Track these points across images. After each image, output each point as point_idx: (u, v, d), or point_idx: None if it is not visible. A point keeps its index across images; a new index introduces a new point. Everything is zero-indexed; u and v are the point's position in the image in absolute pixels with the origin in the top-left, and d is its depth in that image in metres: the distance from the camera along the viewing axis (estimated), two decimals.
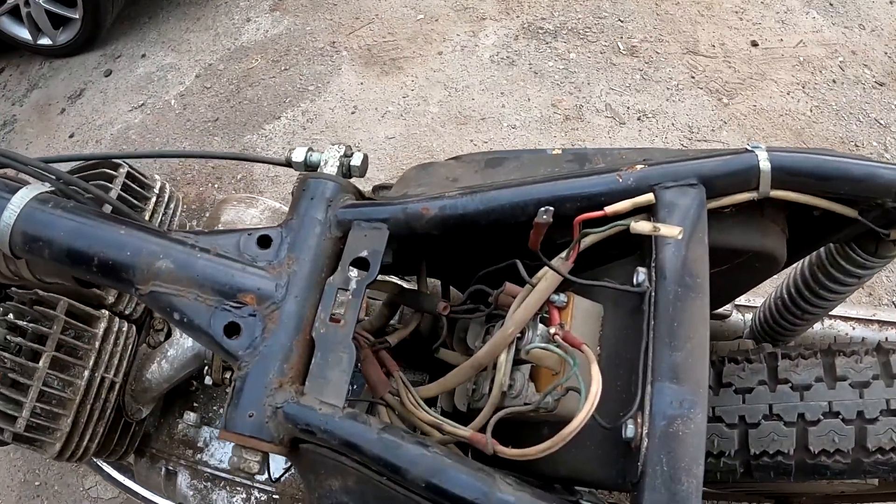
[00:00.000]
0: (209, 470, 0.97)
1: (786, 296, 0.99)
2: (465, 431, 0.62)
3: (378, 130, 1.91)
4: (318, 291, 0.65)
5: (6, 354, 0.85)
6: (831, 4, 2.23)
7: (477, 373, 0.69)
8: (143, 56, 2.39)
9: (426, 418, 0.65)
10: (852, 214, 0.73)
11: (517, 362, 0.65)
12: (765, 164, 0.70)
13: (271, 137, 2.02)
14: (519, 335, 0.64)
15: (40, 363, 0.84)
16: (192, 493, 0.97)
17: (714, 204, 0.69)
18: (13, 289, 0.89)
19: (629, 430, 0.56)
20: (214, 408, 1.02)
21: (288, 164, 0.78)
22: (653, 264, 0.62)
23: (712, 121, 1.93)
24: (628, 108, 1.92)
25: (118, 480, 1.20)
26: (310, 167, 0.76)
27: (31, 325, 0.85)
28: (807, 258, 0.93)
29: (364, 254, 0.66)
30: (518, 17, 2.12)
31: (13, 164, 0.75)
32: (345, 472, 0.61)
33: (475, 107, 1.90)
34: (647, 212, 0.67)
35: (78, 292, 0.90)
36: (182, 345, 0.94)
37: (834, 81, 2.05)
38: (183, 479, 0.98)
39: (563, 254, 0.66)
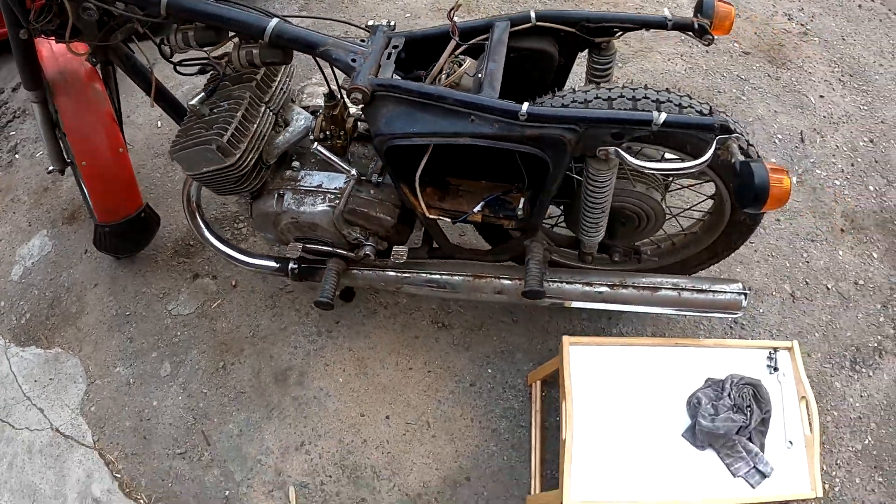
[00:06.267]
0: (303, 186, 1.59)
1: None
2: None
3: None
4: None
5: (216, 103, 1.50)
6: None
7: None
8: None
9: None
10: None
11: None
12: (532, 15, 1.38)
13: None
14: None
15: (247, 95, 1.48)
16: (294, 201, 1.58)
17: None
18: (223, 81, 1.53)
19: None
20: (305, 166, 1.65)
21: None
22: None
23: None
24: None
25: (227, 251, 1.81)
26: None
27: (237, 83, 1.49)
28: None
29: None
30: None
31: None
32: (396, 103, 1.26)
33: None
34: None
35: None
36: (299, 124, 1.61)
37: (707, 52, 2.69)
38: (288, 196, 1.58)
39: None
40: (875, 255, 2.22)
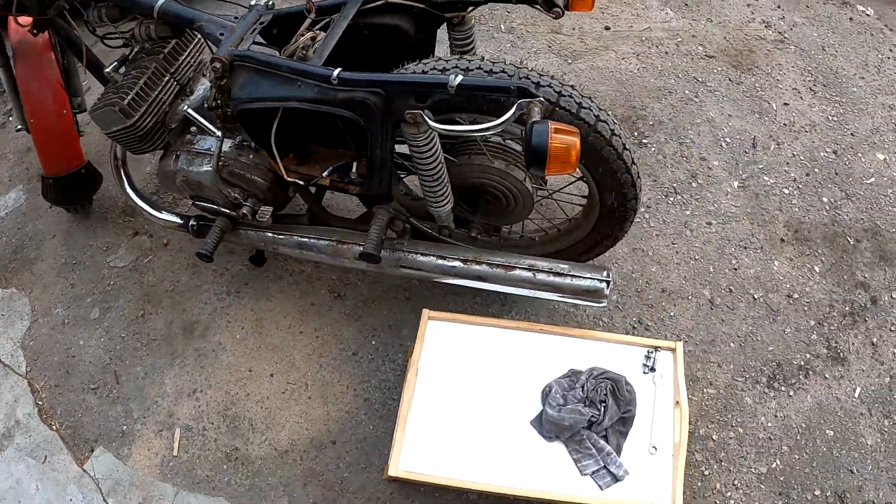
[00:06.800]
0: (196, 149, 1.69)
1: None
2: None
3: None
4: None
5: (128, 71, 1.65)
6: (686, 4, 2.80)
7: None
8: None
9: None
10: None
11: None
12: None
13: None
14: None
15: (152, 66, 1.62)
16: (186, 161, 1.69)
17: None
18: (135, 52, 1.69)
19: None
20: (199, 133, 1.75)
21: None
22: None
23: (555, 72, 2.49)
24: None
25: (144, 207, 1.93)
26: None
27: (150, 55, 1.64)
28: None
29: None
30: None
31: None
32: (249, 71, 1.36)
33: None
34: None
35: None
36: (198, 95, 1.73)
37: (666, 53, 2.61)
38: (183, 157, 1.69)
39: None
40: (817, 269, 2.08)
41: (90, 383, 2.00)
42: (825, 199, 2.21)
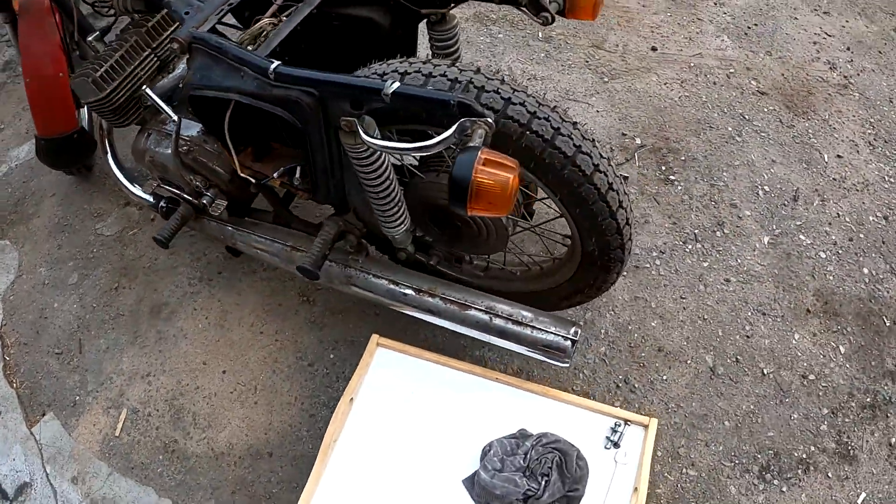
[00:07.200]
0: (166, 129, 1.60)
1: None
2: None
3: None
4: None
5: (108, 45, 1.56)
6: (746, 33, 2.53)
7: None
8: None
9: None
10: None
11: None
12: None
13: None
14: None
15: (132, 39, 1.53)
16: (154, 141, 1.62)
17: None
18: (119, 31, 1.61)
19: None
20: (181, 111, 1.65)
21: None
22: None
23: (587, 89, 2.31)
24: (524, 72, 2.36)
25: (121, 180, 1.88)
26: None
27: (135, 27, 1.58)
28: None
29: None
30: (472, 8, 2.57)
31: None
32: (204, 55, 1.24)
33: None
34: None
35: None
36: (176, 74, 1.63)
37: (714, 83, 2.34)
38: (153, 136, 1.61)
39: None
40: (842, 350, 1.80)
41: (55, 347, 1.96)
42: (866, 270, 1.92)
